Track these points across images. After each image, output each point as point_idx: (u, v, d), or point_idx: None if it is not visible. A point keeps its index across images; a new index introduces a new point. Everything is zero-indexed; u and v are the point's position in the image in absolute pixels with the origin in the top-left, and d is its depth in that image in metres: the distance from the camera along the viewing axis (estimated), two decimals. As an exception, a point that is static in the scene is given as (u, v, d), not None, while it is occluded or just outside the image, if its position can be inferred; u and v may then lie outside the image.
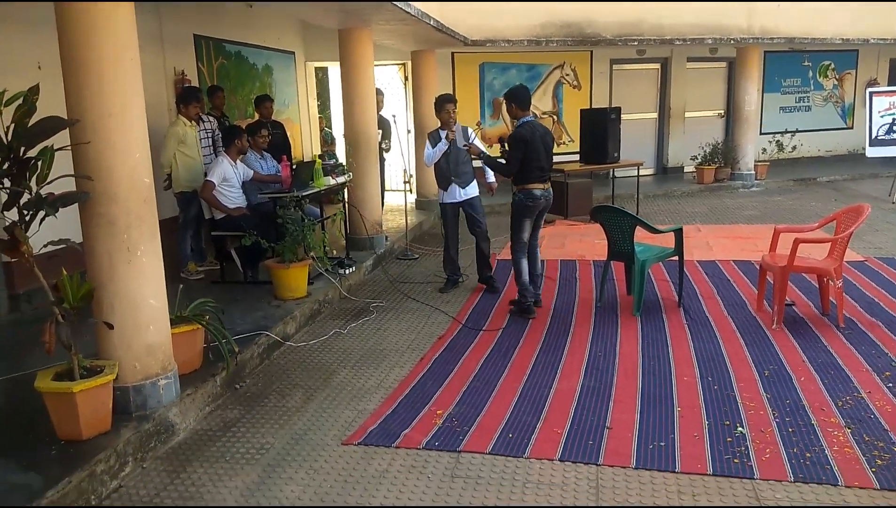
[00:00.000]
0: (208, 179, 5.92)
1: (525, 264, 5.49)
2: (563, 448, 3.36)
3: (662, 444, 3.35)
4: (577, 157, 10.24)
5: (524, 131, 5.31)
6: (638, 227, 5.36)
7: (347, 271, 6.42)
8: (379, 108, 8.16)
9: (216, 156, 6.32)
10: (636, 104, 12.83)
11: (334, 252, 6.75)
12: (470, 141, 5.97)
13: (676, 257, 5.57)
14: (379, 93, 8.09)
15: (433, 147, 6.00)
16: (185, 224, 6.28)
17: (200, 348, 4.15)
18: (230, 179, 6.03)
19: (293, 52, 9.38)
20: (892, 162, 11.56)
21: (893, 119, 10.06)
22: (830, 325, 4.94)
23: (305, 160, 7.49)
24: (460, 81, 11.93)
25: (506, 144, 5.59)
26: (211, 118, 6.70)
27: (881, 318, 5.04)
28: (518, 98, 5.46)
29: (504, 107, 5.71)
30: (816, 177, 12.45)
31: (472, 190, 6.14)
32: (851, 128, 14.93)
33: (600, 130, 8.88)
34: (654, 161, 13.48)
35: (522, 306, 5.43)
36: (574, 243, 7.99)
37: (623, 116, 9.87)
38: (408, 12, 6.23)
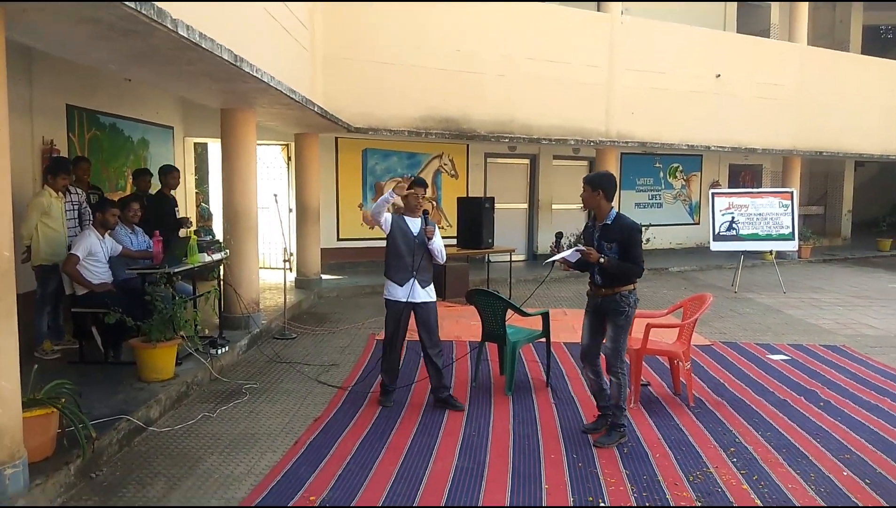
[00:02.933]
0: (72, 252, 5.64)
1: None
2: (436, 530, 3.39)
3: (531, 522, 3.48)
4: (454, 241, 10.64)
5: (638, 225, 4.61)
6: (509, 310, 5.64)
7: (220, 352, 6.21)
8: (173, 185, 7.45)
9: (82, 229, 6.04)
10: (508, 195, 13.61)
11: (206, 331, 6.53)
12: (433, 231, 5.17)
13: (544, 339, 5.89)
14: (173, 169, 7.54)
15: (394, 227, 5.17)
16: (42, 300, 5.89)
17: (54, 433, 3.86)
18: (96, 253, 5.77)
19: (172, 127, 9.25)
20: (733, 255, 12.88)
21: (732, 217, 11.27)
22: (681, 404, 5.36)
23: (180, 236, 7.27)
24: (343, 165, 12.18)
25: (563, 236, 5.07)
26: (78, 190, 6.44)
27: (726, 398, 5.53)
28: (611, 186, 4.56)
29: (587, 195, 4.57)
30: (668, 267, 13.57)
31: (432, 293, 5.28)
32: (698, 224, 16.52)
33: (476, 217, 9.32)
34: (525, 248, 14.22)
35: None
36: (451, 324, 8.20)
37: (497, 206, 10.45)
38: (292, 98, 6.40)
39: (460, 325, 8.15)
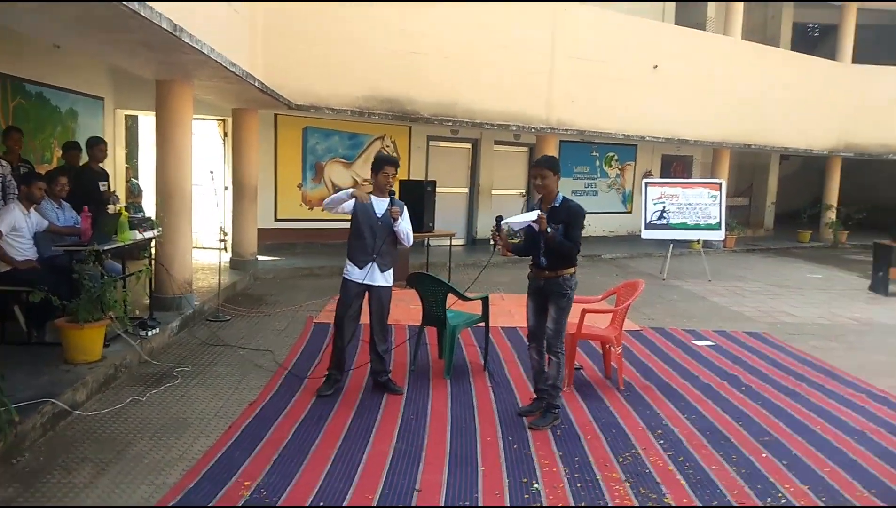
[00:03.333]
0: (-7, 227, 5.35)
1: None
2: (372, 513, 3.41)
3: (467, 503, 3.54)
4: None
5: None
6: (450, 294, 5.67)
7: (150, 333, 6.03)
8: (100, 158, 7.18)
9: (6, 203, 5.74)
10: (450, 179, 13.63)
11: (136, 312, 6.32)
12: (399, 212, 5.04)
13: (483, 324, 5.97)
14: (100, 141, 7.25)
15: (358, 207, 5.02)
16: (-41, 277, 5.58)
17: (-29, 418, 3.68)
18: (20, 228, 5.50)
19: (102, 98, 8.84)
20: (662, 243, 13.30)
21: (664, 207, 11.63)
22: (612, 387, 5.53)
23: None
24: (283, 143, 11.93)
25: (503, 219, 4.82)
26: (3, 162, 6.10)
27: (654, 381, 5.74)
28: (559, 169, 4.78)
29: (539, 180, 4.68)
30: (601, 254, 13.92)
31: (390, 278, 5.18)
32: (630, 212, 16.97)
33: (418, 200, 9.28)
34: (465, 232, 14.30)
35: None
36: (391, 307, 8.16)
37: (438, 190, 10.46)
38: (232, 71, 6.22)
39: (400, 309, 8.11)
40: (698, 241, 13.17)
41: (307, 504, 3.48)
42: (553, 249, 4.62)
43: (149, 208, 9.76)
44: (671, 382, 5.75)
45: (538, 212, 4.60)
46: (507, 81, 11.93)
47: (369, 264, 5.03)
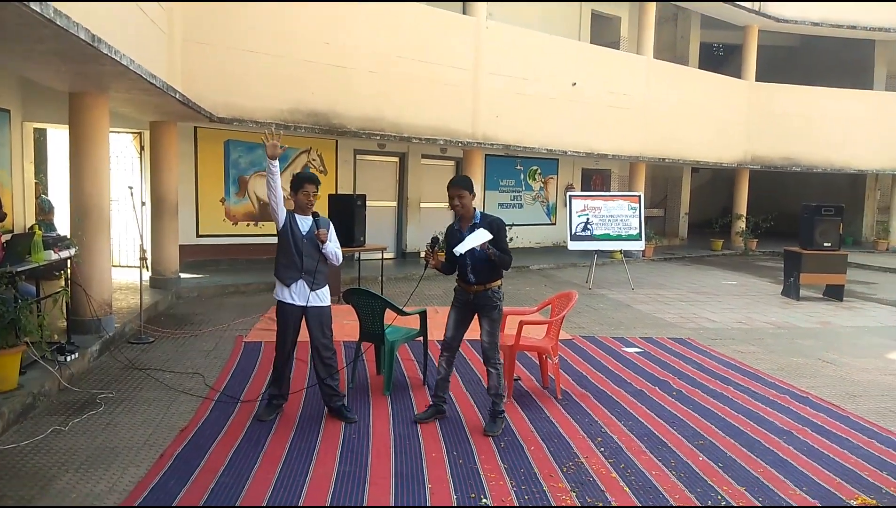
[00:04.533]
0: None
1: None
2: (322, 538, 3.31)
3: (417, 522, 3.49)
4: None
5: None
6: (387, 309, 5.61)
7: (69, 358, 5.68)
8: None
9: None
10: (378, 193, 13.56)
11: (55, 337, 5.94)
12: (326, 233, 4.85)
13: (421, 338, 5.93)
14: None
15: (282, 224, 4.82)
16: None
17: None
18: (-81, 251, 5.08)
19: (8, 111, 8.30)
20: (588, 254, 13.67)
21: (587, 219, 11.96)
22: (550, 397, 5.61)
23: (19, 232, 6.58)
24: (203, 156, 11.55)
25: (438, 241, 4.88)
26: None
27: (589, 389, 5.85)
28: (473, 188, 4.86)
29: (457, 201, 4.75)
30: (529, 265, 14.15)
31: (325, 297, 4.96)
32: (555, 224, 17.36)
33: (347, 214, 9.18)
34: (395, 246, 14.24)
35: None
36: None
37: (367, 203, 10.35)
38: (152, 83, 5.98)
39: (335, 325, 7.98)
40: (620, 251, 13.60)
41: (251, 533, 3.34)
42: (483, 266, 4.76)
43: (61, 225, 9.24)
44: (606, 389, 5.88)
45: (487, 234, 4.65)
46: (434, 95, 12.03)
47: (298, 282, 4.84)
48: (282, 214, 4.84)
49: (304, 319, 4.93)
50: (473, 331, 5.01)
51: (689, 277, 13.71)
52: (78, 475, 3.96)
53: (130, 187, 7.34)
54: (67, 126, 6.60)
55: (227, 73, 9.68)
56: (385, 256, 10.77)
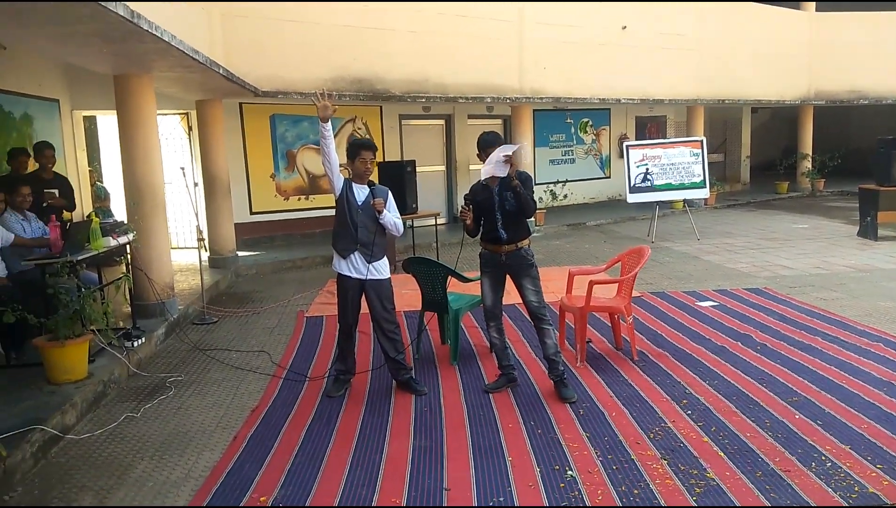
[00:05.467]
0: (-46, 246, 4.96)
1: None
2: (404, 519, 3.17)
3: (502, 499, 3.31)
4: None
5: None
6: (449, 276, 5.42)
7: (136, 344, 5.70)
8: (47, 165, 6.55)
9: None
10: (426, 157, 13.29)
11: (120, 323, 5.97)
12: (384, 203, 4.66)
13: (485, 305, 5.72)
14: (46, 147, 6.57)
15: (339, 192, 4.65)
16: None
17: (-47, 457, 3.36)
18: (-16, 244, 5.11)
19: (57, 100, 8.32)
20: (647, 206, 13.17)
21: (647, 169, 11.46)
22: (626, 359, 5.34)
23: (77, 219, 6.58)
24: (250, 133, 11.48)
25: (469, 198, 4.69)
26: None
27: (666, 349, 5.57)
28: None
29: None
30: (585, 222, 13.75)
31: (384, 270, 4.76)
32: (609, 177, 16.82)
33: (398, 182, 9.00)
34: (446, 211, 14.02)
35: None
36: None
37: (416, 169, 10.15)
38: (195, 59, 5.83)
39: (395, 295, 7.87)
40: (682, 201, 13.07)
41: (331, 516, 3.23)
42: (513, 221, 4.57)
43: (118, 211, 9.33)
44: (684, 347, 5.58)
45: (513, 147, 4.43)
46: (478, 52, 11.61)
47: (354, 254, 4.65)
48: (338, 181, 4.66)
49: (363, 292, 4.77)
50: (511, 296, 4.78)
51: (756, 223, 13.09)
52: (153, 462, 3.93)
53: (182, 168, 7.29)
54: (115, 111, 6.54)
55: (268, 45, 9.49)
56: (438, 221, 10.57)
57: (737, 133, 19.49)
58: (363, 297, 4.77)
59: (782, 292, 7.32)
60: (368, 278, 4.69)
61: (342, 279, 4.75)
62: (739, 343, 5.60)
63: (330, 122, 4.54)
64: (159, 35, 4.81)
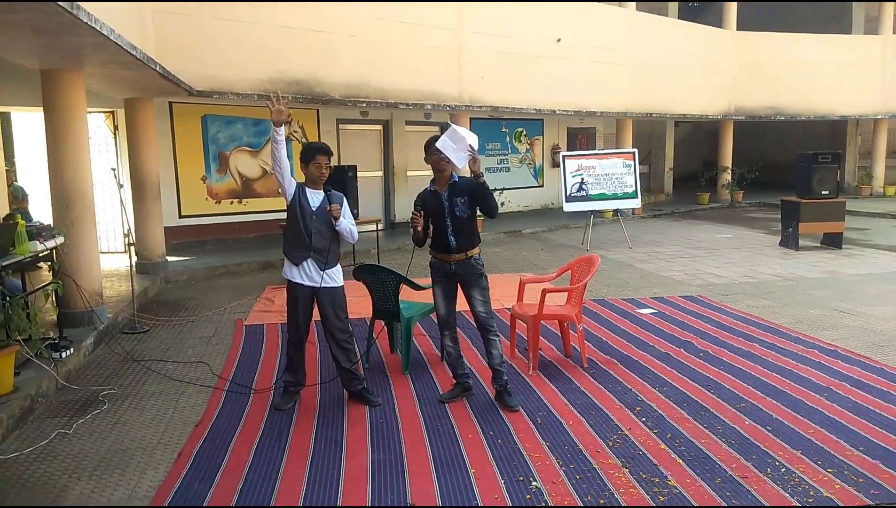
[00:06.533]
0: None
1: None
2: (371, 537, 3.06)
3: (469, 513, 3.25)
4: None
5: None
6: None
7: (64, 355, 5.34)
8: None
9: None
10: (363, 163, 13.12)
11: (50, 332, 5.57)
12: (340, 209, 4.52)
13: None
14: None
15: (291, 197, 4.48)
16: None
17: None
18: None
19: (-30, 94, 7.77)
20: (580, 215, 13.44)
21: (582, 179, 11.69)
22: (576, 366, 5.39)
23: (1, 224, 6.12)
24: (181, 134, 11.03)
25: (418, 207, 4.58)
26: None
27: (614, 356, 5.65)
28: None
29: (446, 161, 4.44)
30: (521, 229, 13.91)
31: (338, 277, 4.61)
32: (542, 186, 17.10)
33: (339, 187, 8.71)
34: (384, 217, 13.88)
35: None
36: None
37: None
38: (133, 55, 5.53)
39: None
40: (611, 210, 13.40)
41: (293, 537, 3.09)
42: (465, 226, 4.53)
43: (36, 213, 8.76)
44: (630, 354, 5.68)
45: (471, 134, 4.43)
46: (418, 58, 11.59)
47: (307, 262, 4.51)
48: (290, 186, 4.51)
49: (314, 300, 4.61)
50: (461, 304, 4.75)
51: (682, 232, 13.58)
52: (92, 482, 3.66)
53: (113, 169, 6.94)
54: (36, 108, 6.14)
55: (203, 43, 9.15)
56: (378, 228, 10.44)
57: (661, 145, 20.19)
58: (314, 305, 4.62)
59: (716, 300, 7.58)
60: (322, 285, 4.54)
61: (293, 287, 4.58)
62: (682, 350, 5.75)
63: (283, 126, 4.37)
64: (98, 28, 4.53)
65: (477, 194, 4.49)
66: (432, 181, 4.65)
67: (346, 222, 4.58)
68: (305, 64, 10.27)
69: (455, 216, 4.53)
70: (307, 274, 4.53)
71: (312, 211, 4.51)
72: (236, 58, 9.53)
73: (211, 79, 9.33)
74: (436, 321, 5.48)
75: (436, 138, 4.57)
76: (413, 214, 4.58)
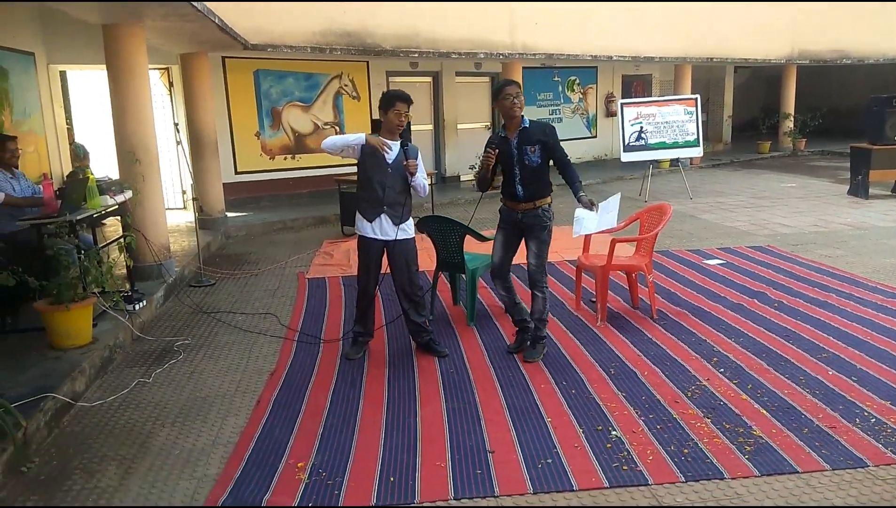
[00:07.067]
0: (-58, 204, 4.65)
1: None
2: (453, 485, 3.06)
3: (549, 461, 3.22)
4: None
5: None
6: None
7: (138, 307, 5.47)
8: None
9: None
10: (414, 115, 12.93)
11: (126, 286, 5.72)
12: (416, 159, 4.46)
13: (500, 264, 5.58)
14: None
15: (366, 154, 4.39)
16: None
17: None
18: (-26, 204, 4.80)
19: (32, 54, 7.84)
20: (634, 166, 13.10)
21: (641, 127, 11.34)
22: (646, 318, 5.27)
23: (72, 179, 6.26)
24: (234, 89, 11.04)
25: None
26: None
27: (684, 307, 5.51)
28: None
29: (517, 99, 4.33)
30: (575, 181, 13.60)
31: (410, 230, 4.57)
32: (595, 137, 16.70)
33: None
34: (434, 171, 13.76)
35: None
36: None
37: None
38: (195, 7, 5.48)
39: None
40: (668, 160, 13.01)
41: (376, 480, 3.11)
42: (533, 177, 4.41)
43: (98, 170, 8.93)
44: (701, 305, 5.53)
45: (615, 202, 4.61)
46: (469, 6, 11.27)
47: (380, 217, 4.44)
48: (354, 152, 4.42)
49: (385, 252, 4.58)
50: (550, 255, 4.66)
51: (744, 182, 13.12)
52: (175, 429, 3.76)
53: (176, 123, 6.97)
54: (93, 66, 6.17)
55: (254, -5, 9.06)
56: (431, 182, 10.35)
57: (719, 92, 19.43)
58: (384, 258, 4.59)
59: (786, 250, 7.31)
60: (392, 238, 4.49)
61: (365, 242, 4.54)
62: (756, 300, 5.57)
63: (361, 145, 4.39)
64: (161, -22, 4.48)
65: (550, 145, 4.38)
66: (503, 126, 4.51)
67: (420, 178, 4.50)
68: (356, 14, 10.11)
69: (524, 165, 4.39)
70: (381, 229, 4.48)
71: (388, 164, 4.41)
72: (287, 10, 9.41)
73: (263, 32, 9.26)
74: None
75: (508, 83, 4.43)
76: (487, 150, 4.41)
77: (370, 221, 4.48)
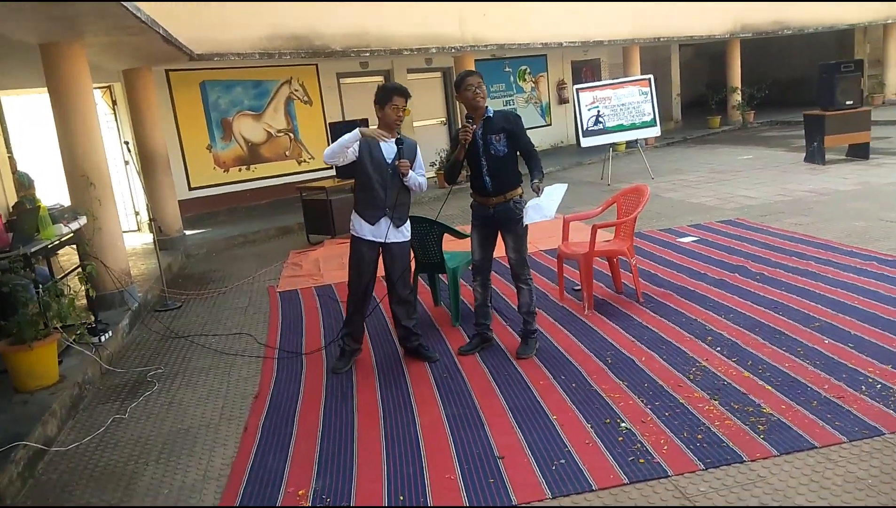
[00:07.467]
0: None
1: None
2: (467, 497, 2.92)
3: (563, 461, 3.10)
4: (327, 173, 9.80)
5: None
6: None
7: (104, 338, 5.18)
8: None
9: None
10: (369, 115, 12.71)
11: (89, 317, 5.41)
12: (411, 163, 4.30)
13: (480, 261, 5.45)
14: None
15: (364, 154, 4.20)
16: None
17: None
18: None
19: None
20: (592, 151, 13.12)
21: (598, 111, 11.33)
22: (632, 302, 5.21)
23: (20, 209, 5.89)
24: (181, 103, 10.69)
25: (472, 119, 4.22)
26: None
27: (668, 288, 5.46)
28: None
29: (479, 89, 4.17)
30: (535, 170, 13.57)
31: (407, 231, 4.46)
32: (550, 125, 16.71)
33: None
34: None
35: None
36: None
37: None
38: (138, 18, 5.19)
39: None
40: (624, 142, 13.06)
41: (385, 501, 2.94)
42: (501, 167, 4.25)
43: (45, 198, 8.48)
44: (684, 285, 5.49)
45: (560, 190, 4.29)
46: (417, 3, 11.09)
47: (382, 220, 4.28)
48: (353, 152, 4.21)
49: (380, 255, 4.40)
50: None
51: (700, 158, 13.27)
52: (161, 466, 3.53)
53: (126, 142, 6.64)
54: (35, 88, 5.84)
55: (197, 5, 8.73)
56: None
57: (666, 72, 19.66)
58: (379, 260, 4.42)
59: (756, 222, 7.36)
60: (394, 241, 4.33)
61: (360, 244, 4.35)
62: (737, 274, 5.56)
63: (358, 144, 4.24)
64: (102, -12, 4.21)
65: (515, 134, 4.26)
66: (468, 116, 4.28)
67: (414, 175, 4.32)
68: (303, 17, 9.86)
69: (490, 155, 4.22)
70: (381, 232, 4.31)
71: (387, 162, 4.22)
72: (232, 16, 9.13)
73: (209, 41, 8.95)
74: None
75: (469, 73, 4.28)
76: (465, 125, 4.14)
77: (371, 223, 4.29)
